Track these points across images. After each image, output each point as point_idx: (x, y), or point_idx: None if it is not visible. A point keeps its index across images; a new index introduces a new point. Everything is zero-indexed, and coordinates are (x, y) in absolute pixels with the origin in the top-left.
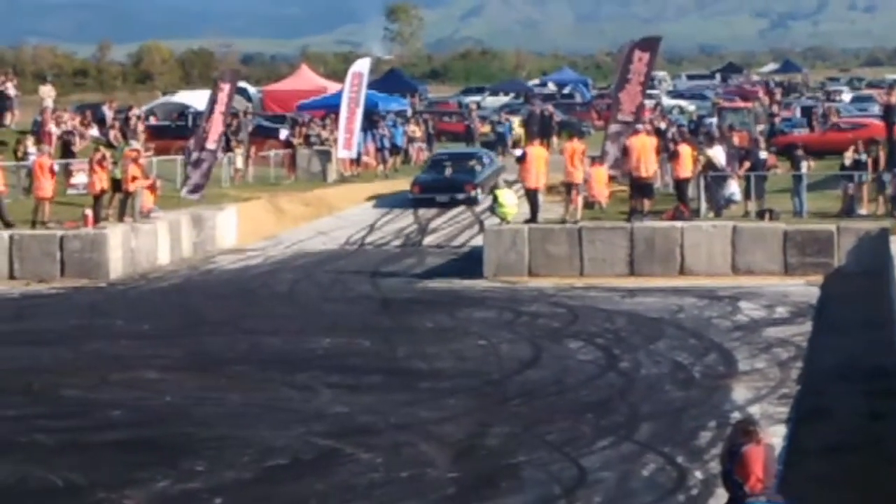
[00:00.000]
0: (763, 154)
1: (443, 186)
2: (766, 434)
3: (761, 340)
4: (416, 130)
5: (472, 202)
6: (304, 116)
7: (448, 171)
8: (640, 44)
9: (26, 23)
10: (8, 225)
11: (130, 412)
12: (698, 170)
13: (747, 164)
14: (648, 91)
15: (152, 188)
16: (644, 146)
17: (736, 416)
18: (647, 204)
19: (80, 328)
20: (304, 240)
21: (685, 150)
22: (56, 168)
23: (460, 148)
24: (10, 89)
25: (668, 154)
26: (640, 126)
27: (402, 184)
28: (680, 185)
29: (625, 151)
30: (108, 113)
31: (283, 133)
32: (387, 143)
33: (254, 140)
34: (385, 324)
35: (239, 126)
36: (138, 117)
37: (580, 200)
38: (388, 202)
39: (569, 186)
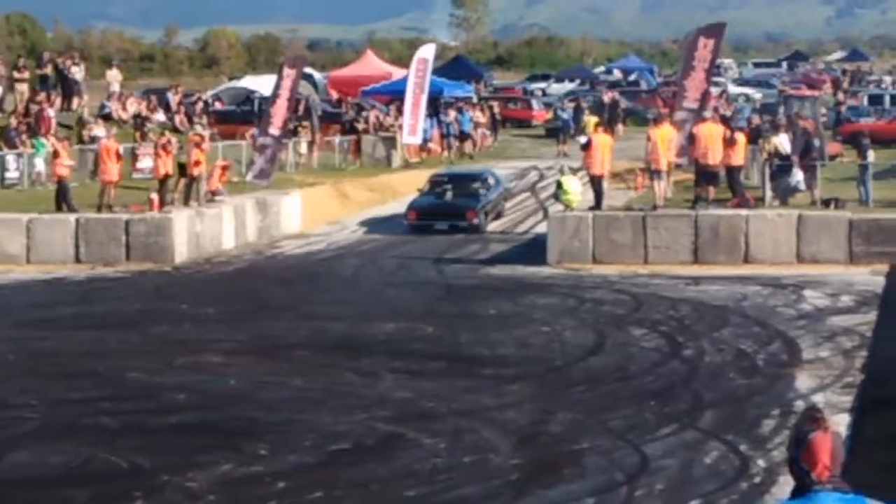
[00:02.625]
0: (816, 142)
1: (441, 213)
2: (833, 423)
3: (826, 329)
4: (480, 116)
5: (474, 230)
6: (366, 103)
7: (448, 196)
8: (705, 30)
9: (93, 7)
10: (72, 210)
11: (194, 396)
12: (763, 158)
13: (813, 154)
14: (714, 79)
15: (225, 170)
16: (711, 134)
17: (799, 404)
18: (711, 192)
19: (144, 312)
20: (369, 225)
21: (741, 139)
22: (122, 152)
23: (464, 168)
24: (77, 73)
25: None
26: (706, 113)
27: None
28: (731, 172)
29: (691, 139)
30: (174, 98)
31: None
32: (453, 130)
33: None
34: (448, 310)
35: (308, 111)
36: (206, 102)
37: (664, 186)
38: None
39: (655, 172)
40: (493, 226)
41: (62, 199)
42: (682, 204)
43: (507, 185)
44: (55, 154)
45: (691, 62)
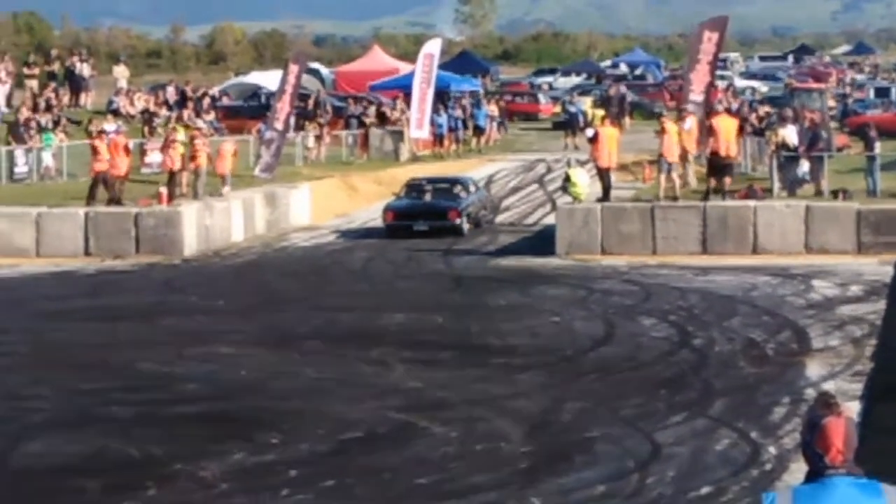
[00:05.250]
0: (823, 134)
1: (421, 213)
2: (846, 407)
3: (835, 318)
4: (494, 109)
5: (456, 232)
6: (372, 97)
7: (428, 196)
8: (709, 24)
9: (101, 4)
10: (118, 202)
11: (206, 386)
12: (771, 149)
13: (821, 145)
14: (721, 72)
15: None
16: (728, 127)
17: (810, 392)
18: (727, 182)
19: (155, 304)
20: (377, 218)
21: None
22: (131, 146)
23: (442, 174)
24: (86, 70)
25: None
26: (719, 106)
27: (475, 164)
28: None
29: (709, 131)
30: (171, 92)
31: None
32: (460, 124)
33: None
34: (458, 301)
35: (317, 105)
36: (213, 98)
37: (675, 178)
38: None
39: (668, 164)
40: (501, 217)
41: (107, 191)
42: (689, 195)
43: (489, 195)
44: (94, 150)
45: (696, 56)
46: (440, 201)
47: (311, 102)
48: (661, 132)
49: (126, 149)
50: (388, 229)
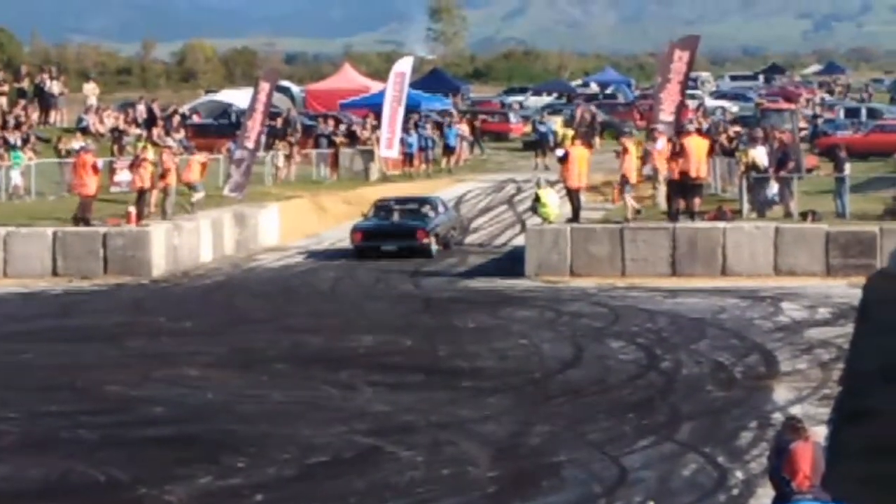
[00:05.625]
0: (793, 155)
1: (389, 233)
2: (813, 433)
3: (803, 341)
4: (465, 129)
5: (424, 252)
6: (343, 116)
7: (395, 217)
8: (680, 43)
9: (71, 21)
10: (87, 224)
11: (173, 409)
12: (741, 170)
13: (790, 165)
14: (691, 92)
15: (203, 166)
16: (699, 147)
17: (777, 416)
18: (697, 203)
19: (122, 325)
20: (346, 238)
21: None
22: (100, 165)
23: (410, 193)
24: (56, 87)
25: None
26: (690, 126)
27: (445, 184)
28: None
29: (680, 152)
30: (141, 110)
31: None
32: (430, 143)
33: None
34: (426, 323)
35: (288, 124)
36: (183, 115)
37: (630, 198)
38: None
39: (629, 185)
40: (470, 238)
41: (81, 210)
42: (659, 217)
43: (458, 215)
44: (76, 169)
45: (667, 75)
46: (408, 221)
47: (280, 121)
48: (623, 152)
49: (94, 167)
50: (357, 250)
